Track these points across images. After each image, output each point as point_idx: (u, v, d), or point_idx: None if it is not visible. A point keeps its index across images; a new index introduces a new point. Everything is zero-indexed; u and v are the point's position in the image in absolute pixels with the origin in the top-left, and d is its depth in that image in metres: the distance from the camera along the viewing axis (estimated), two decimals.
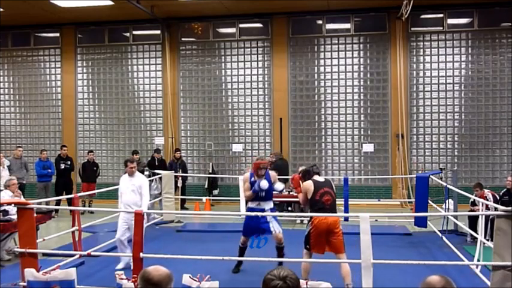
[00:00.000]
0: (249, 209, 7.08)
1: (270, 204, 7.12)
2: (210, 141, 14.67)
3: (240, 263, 7.06)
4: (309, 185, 6.26)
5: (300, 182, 6.50)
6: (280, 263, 6.25)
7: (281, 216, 11.35)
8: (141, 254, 5.51)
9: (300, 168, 6.86)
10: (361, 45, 14.10)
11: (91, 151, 13.62)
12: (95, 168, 13.28)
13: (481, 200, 7.66)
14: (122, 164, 14.54)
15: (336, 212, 6.38)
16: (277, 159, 12.78)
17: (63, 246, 8.26)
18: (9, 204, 7.29)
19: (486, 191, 9.10)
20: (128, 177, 7.57)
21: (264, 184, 6.84)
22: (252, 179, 6.97)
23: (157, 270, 2.54)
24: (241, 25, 14.60)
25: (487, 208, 7.51)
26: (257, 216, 6.81)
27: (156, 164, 12.77)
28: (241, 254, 7.00)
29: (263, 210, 6.96)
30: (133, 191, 7.43)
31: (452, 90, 13.61)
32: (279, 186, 7.33)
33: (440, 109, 13.65)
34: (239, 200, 11.47)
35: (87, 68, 15.47)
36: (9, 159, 12.11)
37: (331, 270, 6.33)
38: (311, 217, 6.19)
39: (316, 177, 6.38)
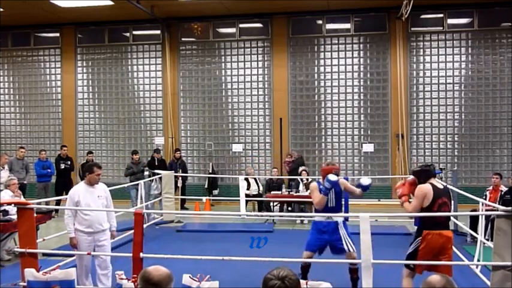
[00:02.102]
0: (316, 224, 6.10)
1: (341, 217, 6.07)
2: (210, 141, 14.67)
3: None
4: (427, 189, 5.09)
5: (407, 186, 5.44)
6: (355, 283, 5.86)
7: (281, 216, 11.41)
8: (141, 254, 5.50)
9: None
10: (361, 45, 14.10)
11: (91, 152, 13.58)
12: None
13: (481, 200, 7.66)
14: (122, 164, 14.69)
15: (449, 227, 5.16)
16: (299, 157, 12.90)
17: (63, 246, 8.25)
18: (9, 204, 7.28)
19: (502, 185, 9.17)
20: (88, 188, 5.94)
21: (333, 177, 5.79)
22: (321, 186, 6.04)
23: (158, 270, 2.54)
24: (241, 25, 14.60)
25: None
26: (328, 230, 5.98)
27: (156, 164, 12.76)
28: (305, 276, 5.92)
29: (336, 225, 5.99)
30: (103, 204, 6.04)
31: (452, 90, 13.62)
32: (365, 181, 6.09)
33: (440, 109, 13.65)
34: (239, 200, 11.48)
35: (87, 68, 15.47)
36: (11, 160, 12.11)
37: (331, 270, 6.33)
38: (421, 230, 5.15)
39: (434, 181, 5.23)
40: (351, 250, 5.95)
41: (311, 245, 6.05)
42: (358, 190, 6.21)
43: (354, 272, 5.98)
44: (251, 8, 13.68)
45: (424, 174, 5.22)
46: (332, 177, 5.80)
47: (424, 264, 4.90)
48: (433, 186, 5.13)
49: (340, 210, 6.20)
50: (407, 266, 5.22)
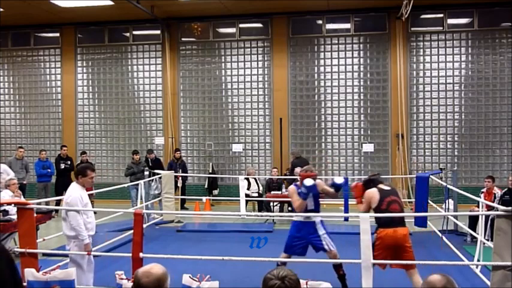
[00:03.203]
0: (295, 224, 6.19)
1: (318, 217, 6.22)
2: (210, 141, 14.67)
3: None
4: (373, 193, 5.66)
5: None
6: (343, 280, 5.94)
7: (281, 216, 11.41)
8: (141, 254, 5.50)
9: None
10: (361, 45, 14.10)
11: (84, 152, 13.51)
12: None
13: (482, 201, 7.66)
14: (122, 164, 14.70)
15: (404, 224, 5.51)
16: (295, 158, 12.90)
17: (63, 246, 8.24)
18: (9, 204, 7.29)
19: (496, 188, 9.13)
20: (82, 190, 5.74)
21: (308, 181, 5.94)
22: (299, 190, 6.17)
23: (148, 276, 2.45)
24: (241, 25, 14.60)
25: (491, 208, 7.48)
26: (307, 230, 6.07)
27: (150, 164, 12.68)
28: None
29: (313, 224, 6.12)
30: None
31: (452, 90, 13.62)
32: (338, 180, 6.27)
33: (440, 109, 13.65)
34: (239, 200, 11.48)
35: (87, 68, 15.47)
36: (10, 160, 12.10)
37: (331, 270, 6.33)
38: (377, 228, 5.58)
39: (381, 186, 5.78)
40: (332, 249, 6.06)
41: (288, 246, 6.14)
42: (331, 190, 6.32)
43: (339, 269, 6.06)
44: (251, 8, 13.68)
45: (371, 182, 5.87)
46: (308, 182, 5.94)
47: (382, 258, 5.38)
48: (379, 189, 5.68)
49: (319, 211, 6.34)
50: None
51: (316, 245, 6.08)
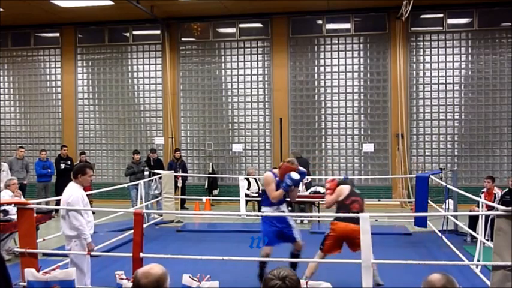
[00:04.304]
0: (267, 217, 6.22)
1: (287, 208, 6.47)
2: (210, 141, 14.67)
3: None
4: (345, 188, 6.33)
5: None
6: (295, 265, 6.11)
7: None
8: (141, 254, 5.50)
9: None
10: (361, 45, 14.10)
11: (83, 152, 13.51)
12: None
13: (482, 201, 7.66)
14: (122, 164, 14.69)
15: (358, 223, 5.81)
16: (296, 158, 12.90)
17: (63, 246, 8.24)
18: (9, 204, 7.28)
19: (496, 188, 9.12)
20: (81, 190, 5.68)
21: (295, 175, 6.02)
22: (277, 178, 6.18)
23: (147, 277, 2.44)
24: (241, 25, 14.60)
25: (491, 208, 7.48)
26: (279, 222, 6.15)
27: (152, 164, 12.69)
28: (263, 271, 6.07)
29: (285, 217, 6.26)
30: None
31: (452, 90, 13.62)
32: (293, 175, 6.16)
33: (440, 109, 13.65)
34: (239, 200, 11.48)
35: (87, 68, 15.47)
36: (10, 160, 12.10)
37: (331, 270, 6.33)
38: (333, 219, 6.18)
39: (352, 188, 6.44)
40: (300, 238, 6.24)
41: (269, 239, 6.16)
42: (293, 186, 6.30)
43: (298, 257, 6.22)
44: (251, 8, 13.68)
45: (345, 183, 6.54)
46: (295, 175, 6.01)
47: (331, 250, 6.07)
48: (350, 189, 6.34)
49: (285, 201, 6.48)
50: (319, 247, 6.14)
51: (287, 232, 6.18)
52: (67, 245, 5.69)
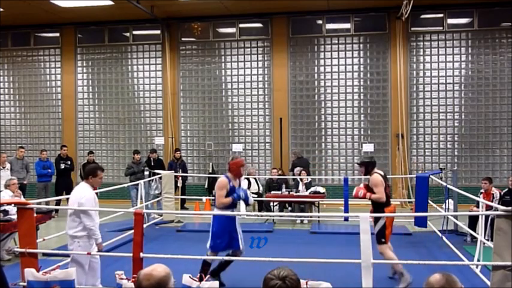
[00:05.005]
0: (222, 217, 6.17)
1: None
2: (210, 141, 14.67)
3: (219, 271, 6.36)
4: (381, 178, 6.34)
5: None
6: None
7: (281, 216, 11.41)
8: (141, 254, 5.50)
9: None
10: (361, 45, 14.11)
11: (91, 152, 13.57)
12: None
13: (482, 200, 7.66)
14: (122, 164, 14.69)
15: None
16: (297, 158, 12.93)
17: (63, 246, 8.24)
18: (9, 204, 7.28)
19: (494, 188, 9.12)
20: (92, 190, 5.78)
21: (245, 194, 6.32)
22: (231, 183, 6.29)
23: (148, 279, 2.42)
24: (241, 25, 14.60)
25: (490, 208, 7.48)
26: (230, 223, 6.19)
27: (153, 164, 12.69)
28: (206, 273, 5.99)
29: (235, 219, 6.32)
30: None
31: (452, 90, 13.62)
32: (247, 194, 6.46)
33: (440, 109, 13.65)
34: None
35: (87, 68, 15.47)
36: (11, 160, 12.10)
37: (331, 270, 6.33)
38: (382, 209, 6.27)
39: (377, 170, 6.49)
40: (242, 247, 6.24)
41: (215, 244, 6.17)
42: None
43: (205, 268, 6.17)
44: (251, 8, 13.68)
45: (371, 165, 6.48)
46: (244, 194, 6.26)
47: (390, 234, 6.25)
48: (379, 173, 6.38)
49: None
50: (379, 241, 6.17)
51: (234, 245, 6.19)
52: (70, 245, 5.70)
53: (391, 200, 6.53)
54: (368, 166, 6.45)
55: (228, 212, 6.28)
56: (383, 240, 6.18)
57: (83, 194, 5.63)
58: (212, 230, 6.21)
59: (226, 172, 6.52)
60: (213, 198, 13.87)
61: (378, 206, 6.33)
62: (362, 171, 6.53)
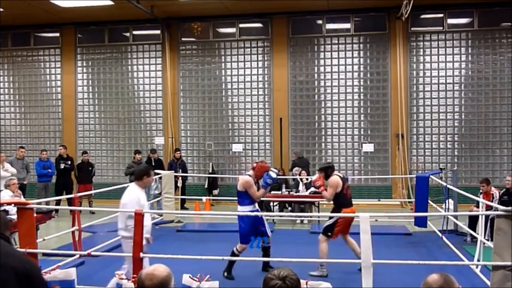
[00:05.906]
0: (248, 217, 6.65)
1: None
2: (210, 141, 14.67)
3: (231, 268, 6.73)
4: (338, 180, 6.83)
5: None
6: (268, 263, 6.61)
7: (281, 216, 11.41)
8: (141, 254, 5.50)
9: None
10: (361, 45, 14.10)
11: (85, 152, 13.53)
12: (90, 169, 13.14)
13: (482, 200, 7.66)
14: (122, 164, 14.67)
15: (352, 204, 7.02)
16: (297, 158, 12.92)
17: (63, 246, 8.25)
18: (9, 204, 7.28)
19: (493, 188, 9.11)
20: (142, 192, 5.86)
21: (274, 174, 6.72)
22: (264, 183, 6.77)
23: (151, 279, 2.42)
24: (241, 25, 14.60)
25: (490, 208, 7.47)
26: (257, 219, 6.68)
27: (153, 164, 12.70)
28: (233, 264, 6.70)
29: (258, 211, 6.98)
30: None
31: (452, 90, 13.62)
32: (273, 174, 6.83)
33: (440, 109, 13.65)
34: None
35: (87, 68, 15.47)
36: (11, 160, 12.10)
37: (331, 270, 6.34)
38: (339, 209, 6.75)
39: (337, 173, 6.99)
40: (270, 234, 6.84)
41: (245, 237, 6.65)
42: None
43: (268, 249, 6.85)
44: (251, 8, 13.68)
45: (329, 169, 6.94)
46: (273, 174, 6.69)
47: (338, 234, 6.69)
48: (339, 176, 6.91)
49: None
50: (325, 233, 6.69)
51: (263, 230, 6.72)
52: (124, 246, 5.81)
53: (352, 200, 7.05)
54: (327, 170, 6.94)
55: (228, 212, 6.42)
56: (329, 234, 6.68)
57: (128, 196, 5.75)
58: (240, 231, 6.70)
59: (248, 171, 7.04)
60: (213, 198, 13.96)
61: (337, 206, 6.89)
62: (322, 176, 6.98)
